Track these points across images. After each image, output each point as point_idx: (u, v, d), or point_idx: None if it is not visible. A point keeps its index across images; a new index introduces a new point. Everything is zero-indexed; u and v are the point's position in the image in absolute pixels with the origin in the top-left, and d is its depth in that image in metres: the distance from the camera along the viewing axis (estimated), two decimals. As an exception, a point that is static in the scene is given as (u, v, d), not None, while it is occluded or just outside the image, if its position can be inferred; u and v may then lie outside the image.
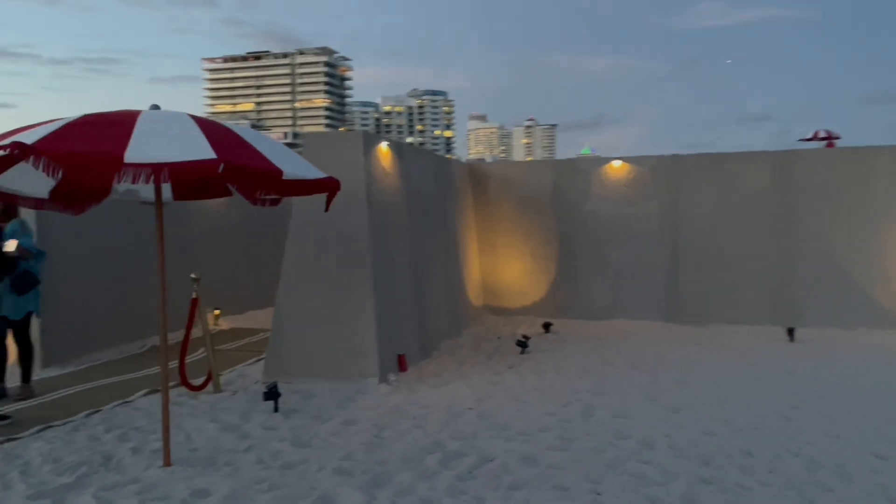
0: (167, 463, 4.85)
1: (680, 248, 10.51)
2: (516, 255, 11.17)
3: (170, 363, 6.50)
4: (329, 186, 5.01)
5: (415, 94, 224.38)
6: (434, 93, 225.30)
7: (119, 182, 4.12)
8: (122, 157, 4.02)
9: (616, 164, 10.79)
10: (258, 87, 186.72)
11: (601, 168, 10.86)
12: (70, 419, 6.00)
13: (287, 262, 7.33)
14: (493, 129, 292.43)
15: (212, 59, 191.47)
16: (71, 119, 4.39)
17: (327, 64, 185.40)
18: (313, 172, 4.93)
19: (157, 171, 4.08)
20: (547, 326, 9.97)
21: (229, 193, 5.95)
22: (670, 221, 10.58)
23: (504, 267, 11.24)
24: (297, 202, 7.32)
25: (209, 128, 4.55)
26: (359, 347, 7.08)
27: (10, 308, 6.75)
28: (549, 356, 8.37)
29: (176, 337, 9.75)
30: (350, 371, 7.05)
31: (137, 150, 4.10)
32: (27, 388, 6.91)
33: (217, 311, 10.85)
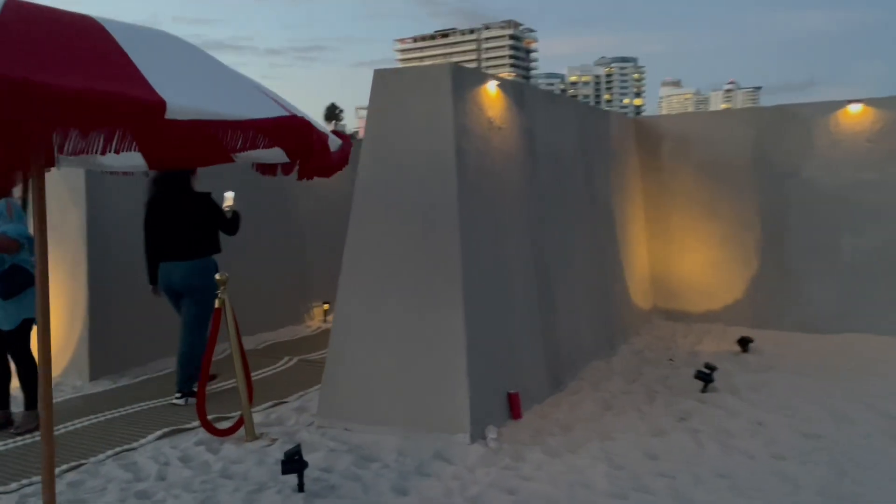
0: None
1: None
2: (699, 241, 8.23)
3: (212, 384, 4.83)
4: (288, 131, 2.71)
5: (602, 62, 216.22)
6: (623, 59, 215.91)
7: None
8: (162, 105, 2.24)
9: (854, 108, 7.45)
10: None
11: (830, 116, 7.58)
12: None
13: (348, 258, 5.17)
14: (688, 95, 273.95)
15: (402, 40, 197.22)
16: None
17: (512, 37, 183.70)
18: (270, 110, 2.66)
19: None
20: (744, 343, 7.02)
21: (224, 158, 3.84)
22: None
23: (682, 256, 8.34)
24: (362, 171, 5.12)
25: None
26: (442, 385, 4.77)
27: (0, 316, 5.26)
28: (747, 398, 5.52)
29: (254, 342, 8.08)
30: (430, 420, 4.77)
31: (176, 96, 2.33)
32: (30, 416, 5.39)
33: (326, 306, 9.07)
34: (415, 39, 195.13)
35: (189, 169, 5.77)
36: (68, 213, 6.78)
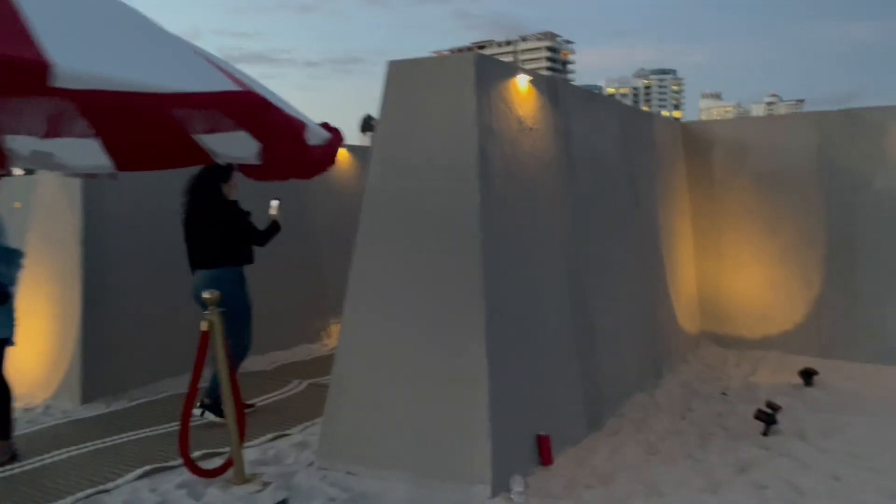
0: None
1: None
2: (754, 258, 7.43)
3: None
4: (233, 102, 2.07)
5: (641, 74, 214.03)
6: (662, 72, 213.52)
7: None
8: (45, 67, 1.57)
9: (934, 110, 6.62)
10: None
11: (905, 120, 6.75)
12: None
13: (354, 276, 4.52)
14: (729, 108, 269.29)
15: (438, 52, 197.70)
16: None
17: (549, 49, 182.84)
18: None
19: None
20: (807, 375, 6.19)
21: (197, 156, 3.22)
22: None
23: (734, 275, 7.53)
24: (372, 178, 4.48)
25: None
26: (460, 426, 4.08)
27: (-30, 336, 4.73)
28: (818, 445, 4.71)
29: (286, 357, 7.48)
30: (446, 467, 4.09)
31: (73, 59, 1.65)
32: (5, 446, 4.85)
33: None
34: (451, 51, 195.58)
35: (220, 175, 5.42)
36: (63, 219, 6.29)
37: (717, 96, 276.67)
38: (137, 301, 6.38)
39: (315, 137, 2.32)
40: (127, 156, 3.17)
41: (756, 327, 7.38)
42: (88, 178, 3.71)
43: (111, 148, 3.15)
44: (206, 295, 4.26)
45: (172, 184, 6.32)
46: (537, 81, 4.87)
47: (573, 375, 4.95)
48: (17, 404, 6.13)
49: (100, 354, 6.15)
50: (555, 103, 5.12)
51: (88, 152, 3.27)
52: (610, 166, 5.97)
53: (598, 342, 5.37)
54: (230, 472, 4.36)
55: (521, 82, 4.70)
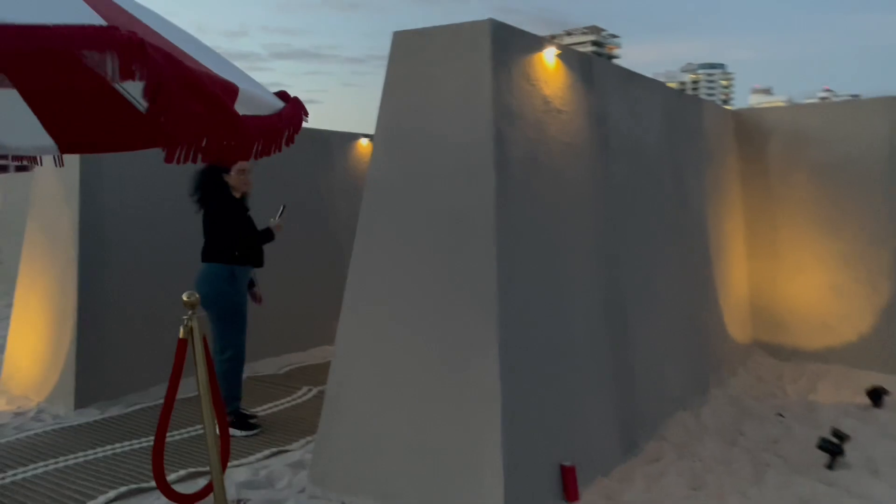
0: None
1: None
2: (814, 260, 6.67)
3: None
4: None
5: (689, 68, 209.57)
6: (711, 66, 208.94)
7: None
8: None
9: None
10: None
11: None
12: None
13: (353, 279, 3.98)
14: (780, 104, 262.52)
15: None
16: None
17: (595, 43, 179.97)
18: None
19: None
20: (876, 395, 5.44)
21: (158, 141, 2.70)
22: None
23: (791, 279, 6.79)
24: (373, 167, 3.93)
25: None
26: (468, 454, 3.51)
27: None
28: (891, 481, 4.02)
29: (301, 360, 6.99)
30: (453, 500, 3.52)
31: None
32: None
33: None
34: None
35: (221, 165, 4.98)
36: (60, 212, 5.89)
37: (768, 91, 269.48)
38: (136, 300, 5.96)
39: (254, 107, 1.79)
40: (66, 135, 2.67)
41: (816, 338, 6.62)
42: (31, 161, 3.21)
43: (48, 125, 2.65)
44: (184, 297, 3.76)
45: (174, 179, 5.90)
46: (568, 56, 4.26)
47: (605, 392, 4.33)
48: (10, 408, 5.79)
49: (96, 356, 5.74)
50: (588, 82, 4.49)
51: (31, 135, 2.79)
52: (651, 156, 5.32)
53: (635, 353, 4.73)
54: (210, 498, 3.86)
55: (549, 57, 4.09)
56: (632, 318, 4.77)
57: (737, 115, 7.17)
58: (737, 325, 6.54)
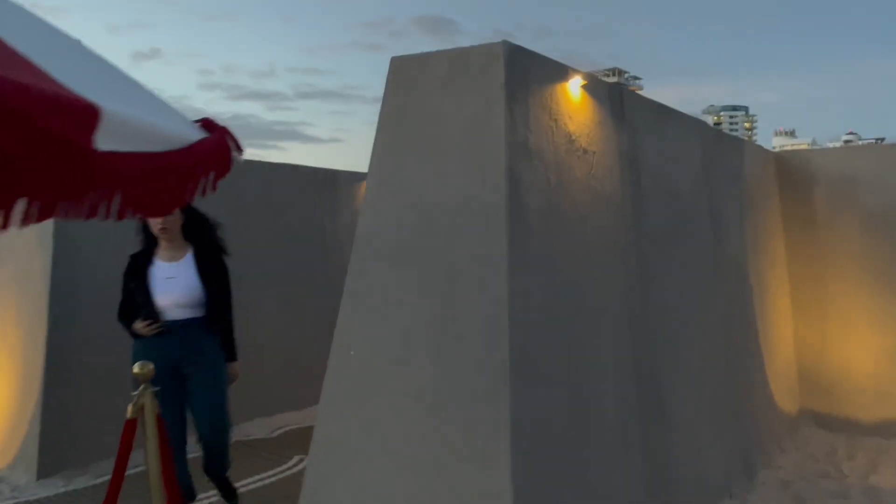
0: None
1: None
2: (868, 319, 5.95)
3: None
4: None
5: (711, 110, 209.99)
6: (733, 108, 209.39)
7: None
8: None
9: None
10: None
11: None
12: None
13: (339, 342, 3.37)
14: (804, 146, 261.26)
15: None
16: None
17: (617, 85, 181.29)
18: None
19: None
20: (953, 481, 4.68)
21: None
22: None
23: (843, 340, 6.06)
24: (365, 215, 3.35)
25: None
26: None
27: None
28: None
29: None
30: None
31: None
32: None
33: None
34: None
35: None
36: (32, 259, 5.37)
37: (791, 134, 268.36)
38: (107, 359, 5.37)
39: (141, 139, 1.22)
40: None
41: (872, 407, 5.86)
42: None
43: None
44: (135, 369, 3.18)
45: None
46: (595, 88, 3.68)
47: (635, 474, 3.64)
48: (-33, 475, 5.20)
49: (63, 419, 5.15)
50: (619, 118, 3.90)
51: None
52: (688, 202, 4.69)
53: (670, 428, 4.05)
54: None
55: (573, 88, 3.51)
56: (666, 390, 4.10)
57: (779, 157, 6.54)
58: (784, 394, 5.81)
